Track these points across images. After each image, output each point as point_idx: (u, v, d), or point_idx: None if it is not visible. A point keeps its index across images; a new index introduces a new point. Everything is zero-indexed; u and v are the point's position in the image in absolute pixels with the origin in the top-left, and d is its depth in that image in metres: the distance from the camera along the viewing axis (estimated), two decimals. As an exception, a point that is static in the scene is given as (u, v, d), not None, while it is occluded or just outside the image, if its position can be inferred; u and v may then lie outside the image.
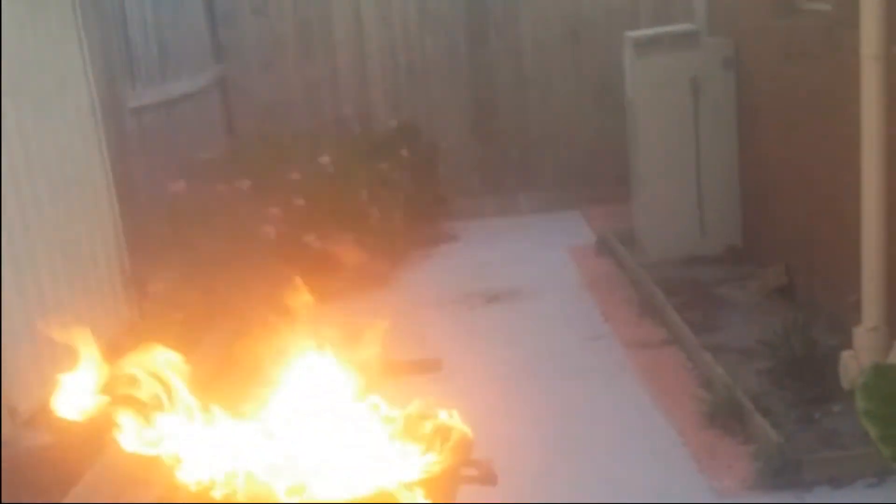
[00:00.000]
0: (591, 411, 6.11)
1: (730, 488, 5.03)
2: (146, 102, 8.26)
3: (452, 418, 3.64)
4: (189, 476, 3.38)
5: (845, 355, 5.52)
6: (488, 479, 3.45)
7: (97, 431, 5.63)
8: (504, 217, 10.64)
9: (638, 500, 5.02)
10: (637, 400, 6.18)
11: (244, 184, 8.55)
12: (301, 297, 3.98)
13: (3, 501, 5.13)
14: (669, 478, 5.21)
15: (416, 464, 3.40)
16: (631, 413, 6.03)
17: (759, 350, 6.25)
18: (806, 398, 5.61)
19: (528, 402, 6.25)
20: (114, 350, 7.08)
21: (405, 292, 8.66)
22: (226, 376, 5.86)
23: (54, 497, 5.30)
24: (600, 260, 8.93)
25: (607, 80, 10.19)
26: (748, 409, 5.49)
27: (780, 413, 5.49)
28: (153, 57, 8.67)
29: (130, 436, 3.47)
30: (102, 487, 5.28)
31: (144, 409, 3.51)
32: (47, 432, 5.95)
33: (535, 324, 7.67)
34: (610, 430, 5.83)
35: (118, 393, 3.57)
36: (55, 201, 6.67)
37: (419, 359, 6.98)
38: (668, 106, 8.35)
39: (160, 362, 3.61)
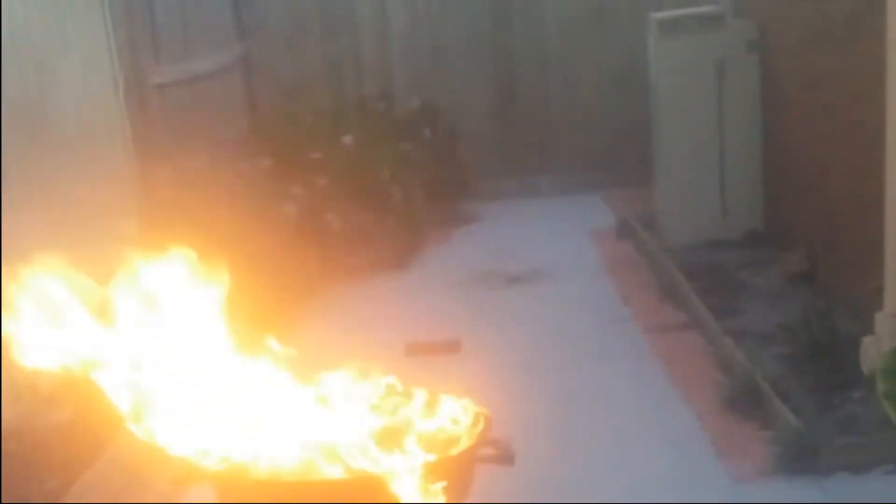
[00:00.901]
0: (609, 394, 6.11)
1: (748, 473, 5.03)
2: (169, 79, 8.27)
3: (471, 399, 3.65)
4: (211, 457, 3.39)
5: (866, 341, 5.50)
6: (506, 458, 3.46)
7: (114, 411, 5.65)
8: (525, 199, 10.62)
9: (655, 483, 5.02)
10: (656, 384, 6.18)
11: (266, 162, 8.57)
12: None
13: (25, 479, 5.16)
14: (687, 462, 5.22)
15: (435, 443, 3.41)
16: (649, 397, 6.03)
17: (780, 335, 6.24)
18: (825, 384, 5.60)
19: (547, 384, 6.25)
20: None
21: (426, 272, 8.67)
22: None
23: (76, 472, 5.34)
24: (621, 243, 8.91)
25: (631, 63, 10.14)
26: (767, 394, 5.48)
27: (800, 398, 5.47)
28: (177, 34, 8.68)
29: None
30: (120, 465, 5.31)
31: None
32: (68, 409, 5.99)
33: (554, 306, 7.67)
34: (628, 414, 5.84)
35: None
36: (78, 177, 6.69)
37: (439, 339, 7.00)
38: (691, 89, 8.31)
39: None
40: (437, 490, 3.16)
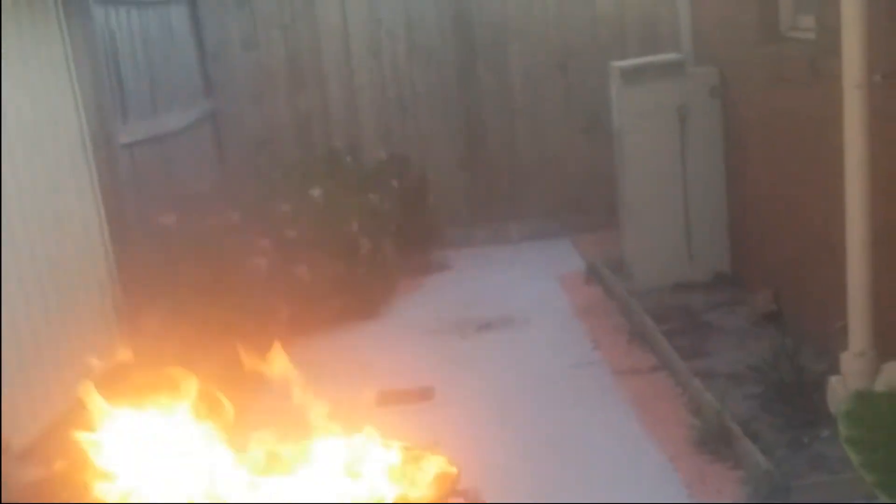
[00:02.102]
0: (581, 438, 6.13)
1: (720, 514, 5.07)
2: (138, 138, 8.30)
3: (437, 451, 3.68)
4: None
5: (833, 380, 5.56)
6: (476, 508, 3.49)
7: (90, 465, 5.64)
8: (495, 246, 10.68)
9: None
10: (627, 426, 6.20)
11: (235, 216, 8.59)
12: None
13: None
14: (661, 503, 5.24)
15: (405, 495, 3.43)
16: (621, 439, 6.05)
17: (749, 375, 6.30)
18: (795, 423, 5.65)
19: (519, 430, 6.28)
20: (108, 385, 7.10)
21: (397, 321, 8.69)
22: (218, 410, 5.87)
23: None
24: (590, 287, 8.97)
25: (595, 110, 10.26)
26: (737, 435, 5.52)
27: (770, 438, 5.52)
28: (144, 92, 8.72)
29: None
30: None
31: None
32: (40, 466, 5.97)
33: (525, 351, 7.71)
34: (600, 457, 5.86)
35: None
36: (47, 238, 6.70)
37: (411, 387, 7.02)
38: (655, 134, 8.41)
39: None
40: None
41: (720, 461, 5.51)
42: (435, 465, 3.65)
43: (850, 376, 5.44)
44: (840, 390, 5.46)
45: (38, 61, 6.86)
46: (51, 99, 7.01)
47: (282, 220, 8.68)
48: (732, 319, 7.57)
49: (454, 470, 3.59)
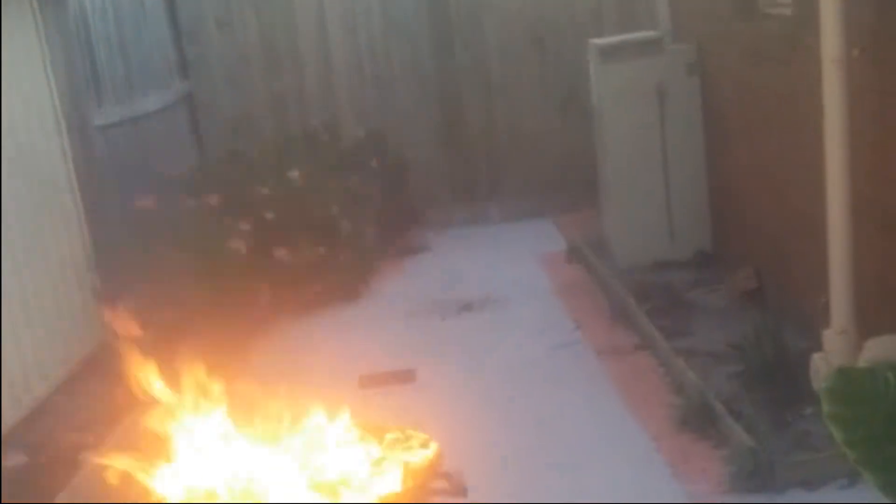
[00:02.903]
0: (563, 419, 6.12)
1: (704, 492, 5.05)
2: (113, 120, 8.23)
3: (422, 431, 3.66)
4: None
5: (815, 358, 5.55)
6: (458, 491, 3.47)
7: (71, 451, 5.63)
8: (475, 226, 10.65)
9: (613, 506, 5.04)
10: (610, 406, 6.19)
11: (213, 199, 8.53)
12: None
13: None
14: (644, 483, 5.23)
15: (386, 478, 3.41)
16: (604, 419, 6.04)
17: (731, 354, 6.28)
18: (778, 401, 5.64)
19: (501, 411, 6.26)
20: (86, 368, 7.09)
21: (377, 303, 8.66)
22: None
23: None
24: (571, 267, 8.94)
25: (573, 88, 10.24)
26: (720, 414, 5.51)
27: (753, 416, 5.50)
28: (119, 74, 8.65)
29: None
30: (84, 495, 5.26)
31: None
32: (21, 453, 5.94)
33: (506, 332, 7.68)
34: (583, 437, 5.84)
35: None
36: (23, 221, 6.64)
37: (392, 370, 6.99)
38: (633, 112, 8.38)
39: None
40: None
41: (704, 440, 5.51)
42: (417, 447, 3.63)
43: (832, 353, 5.43)
44: (823, 367, 5.45)
45: (11, 44, 6.78)
46: (24, 82, 6.94)
47: (260, 202, 8.63)
48: (714, 298, 7.56)
49: (437, 452, 3.56)
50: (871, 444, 2.31)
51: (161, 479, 3.47)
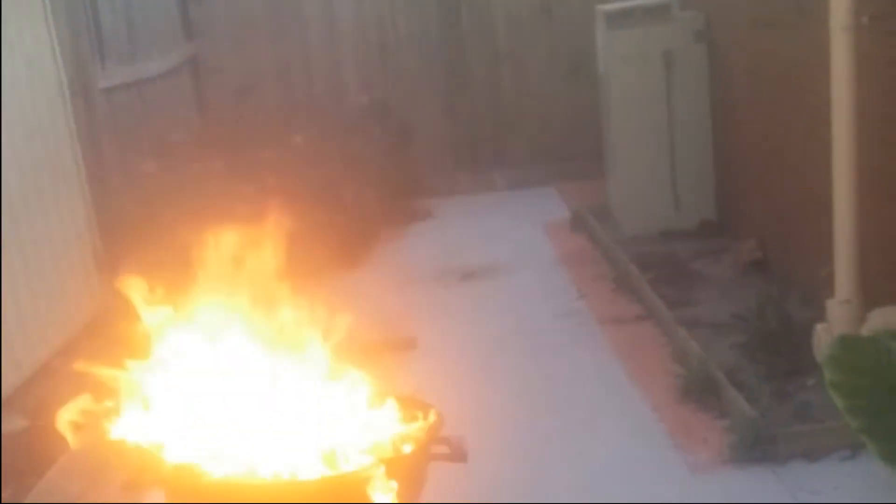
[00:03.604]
0: (565, 387, 6.10)
1: (705, 463, 5.04)
2: (116, 82, 8.19)
3: (423, 396, 3.65)
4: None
5: (819, 328, 5.53)
6: (459, 456, 3.45)
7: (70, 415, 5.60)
8: (479, 194, 10.62)
9: (613, 475, 5.02)
10: (612, 375, 6.18)
11: (217, 163, 8.50)
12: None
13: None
14: (645, 453, 5.22)
15: (387, 442, 3.39)
16: (606, 389, 6.03)
17: (734, 324, 6.26)
18: (780, 372, 5.62)
19: (503, 379, 6.24)
20: (88, 333, 7.07)
21: (380, 270, 8.64)
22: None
23: (30, 481, 5.29)
24: (575, 236, 8.93)
25: (580, 55, 10.17)
26: (722, 384, 5.49)
27: (755, 387, 5.49)
28: (123, 36, 8.60)
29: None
30: (76, 471, 5.26)
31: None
32: (21, 417, 5.93)
33: (509, 300, 7.66)
34: (585, 406, 5.83)
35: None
36: (24, 184, 6.61)
37: (394, 337, 6.97)
38: (640, 80, 8.33)
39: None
40: (390, 489, 3.14)
41: (705, 410, 5.49)
42: (418, 413, 3.62)
43: (835, 324, 5.40)
44: (826, 338, 5.42)
45: (15, 5, 6.73)
46: (27, 44, 6.89)
47: (264, 167, 8.60)
48: (718, 268, 7.53)
49: (437, 417, 3.55)
50: (872, 413, 2.30)
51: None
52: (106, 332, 6.75)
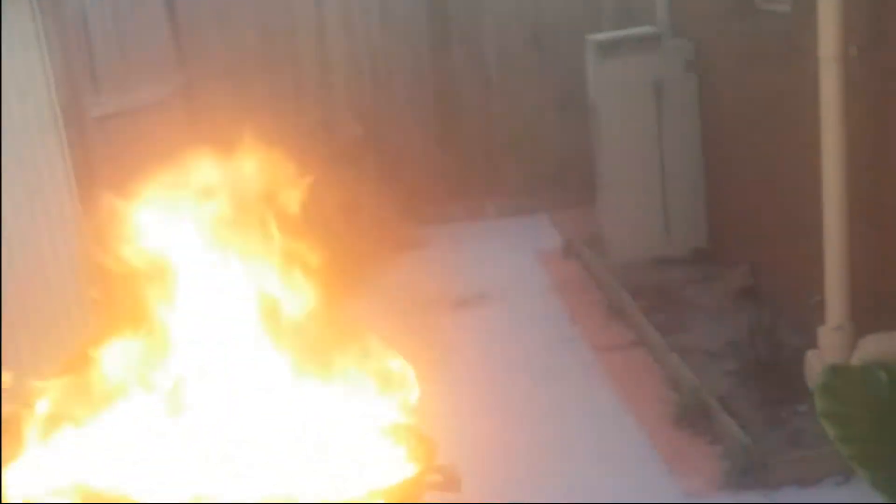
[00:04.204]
0: (559, 414, 6.12)
1: (698, 489, 5.06)
2: (109, 111, 8.20)
3: (416, 425, 3.65)
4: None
5: (810, 355, 5.55)
6: (452, 485, 3.45)
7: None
8: (471, 222, 10.63)
9: (607, 500, 5.03)
10: (606, 402, 6.19)
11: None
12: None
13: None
14: (639, 479, 5.23)
15: (380, 471, 3.40)
16: (600, 415, 6.04)
17: (726, 351, 6.29)
18: (772, 398, 5.64)
19: (497, 407, 6.25)
20: (80, 361, 7.02)
21: (372, 299, 8.63)
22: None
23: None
24: (567, 263, 8.95)
25: (571, 85, 10.20)
26: (715, 410, 5.51)
27: (747, 414, 5.52)
28: (116, 65, 8.62)
29: None
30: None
31: None
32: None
33: (502, 328, 7.68)
34: (579, 433, 5.84)
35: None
36: (17, 212, 6.62)
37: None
38: (630, 109, 8.37)
39: None
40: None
41: (698, 437, 5.51)
42: (411, 442, 3.62)
43: (827, 350, 5.43)
44: (817, 365, 5.45)
45: (8, 34, 6.74)
46: (20, 72, 6.90)
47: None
48: (709, 295, 7.55)
49: (431, 445, 3.55)
50: (863, 442, 2.31)
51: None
52: (96, 361, 6.75)
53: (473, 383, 6.64)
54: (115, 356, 3.76)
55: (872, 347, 5.01)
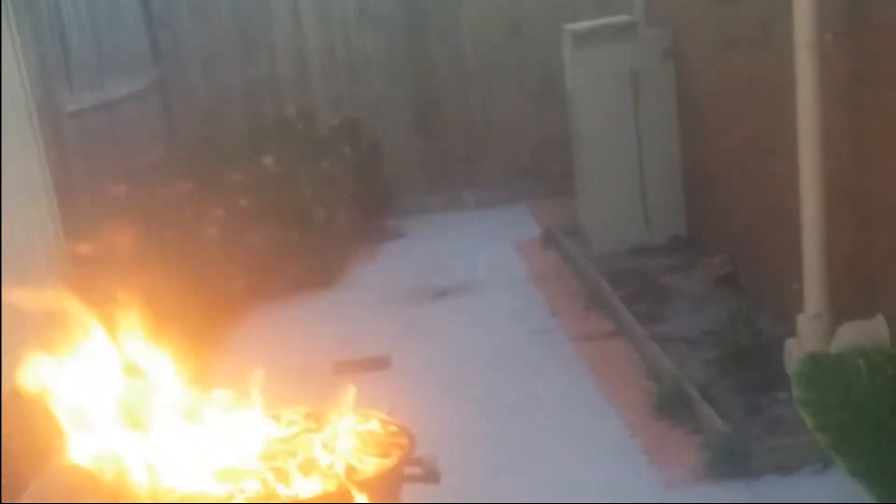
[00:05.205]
0: (538, 405, 6.10)
1: (680, 479, 5.05)
2: (85, 106, 8.16)
3: (395, 417, 3.64)
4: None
5: (789, 343, 5.56)
6: (431, 477, 3.45)
7: (44, 439, 5.57)
8: (450, 213, 10.64)
9: (588, 493, 5.02)
10: (585, 393, 6.18)
11: (186, 186, 8.48)
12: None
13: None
14: (619, 470, 5.22)
15: (358, 464, 3.39)
16: (579, 406, 6.03)
17: (706, 340, 6.29)
18: (752, 387, 5.64)
19: (476, 398, 6.24)
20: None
21: (351, 290, 8.63)
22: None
23: (16, 490, 5.24)
24: (546, 254, 8.94)
25: (549, 75, 10.21)
26: (695, 400, 5.51)
27: (728, 402, 5.51)
28: (90, 59, 8.58)
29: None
30: (48, 496, 5.22)
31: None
32: (7, 427, 5.88)
33: (482, 319, 7.67)
34: (558, 424, 5.83)
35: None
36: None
37: (367, 357, 6.96)
38: (608, 98, 8.37)
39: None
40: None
41: (679, 426, 5.50)
42: (390, 433, 3.61)
43: (806, 338, 5.43)
44: (797, 352, 5.45)
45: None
46: (-7, 68, 6.86)
47: (234, 189, 8.59)
48: (689, 283, 7.55)
49: (410, 437, 3.54)
50: (841, 430, 2.31)
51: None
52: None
53: (453, 374, 6.63)
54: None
55: (850, 336, 5.01)
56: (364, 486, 3.22)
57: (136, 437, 3.47)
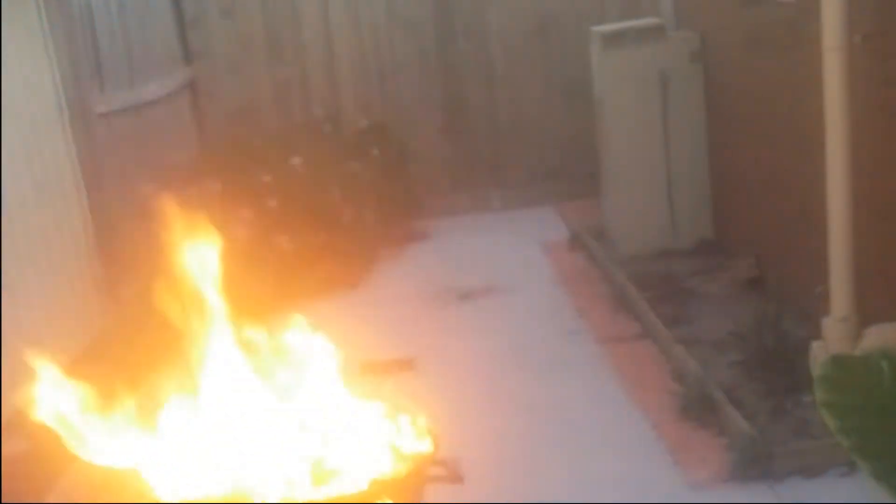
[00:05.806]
0: (565, 406, 6.12)
1: (704, 481, 5.06)
2: (115, 107, 8.22)
3: (419, 418, 3.66)
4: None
5: (815, 345, 5.54)
6: (454, 478, 3.47)
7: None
8: (476, 214, 10.64)
9: (613, 493, 5.03)
10: (611, 394, 6.19)
11: (215, 186, 8.52)
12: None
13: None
14: (644, 471, 5.24)
15: (382, 464, 3.41)
16: (605, 407, 6.04)
17: (731, 342, 6.28)
18: (777, 389, 5.64)
19: (502, 399, 6.26)
20: (87, 356, 7.08)
21: (378, 291, 8.65)
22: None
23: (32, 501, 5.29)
24: (573, 255, 8.94)
25: (576, 77, 10.19)
26: (721, 402, 5.51)
27: (753, 405, 5.51)
28: (121, 61, 8.63)
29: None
30: (76, 494, 5.27)
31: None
32: (21, 439, 5.93)
33: (508, 320, 7.68)
34: (584, 425, 5.85)
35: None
36: (24, 208, 6.64)
37: (392, 358, 6.99)
38: (636, 100, 8.36)
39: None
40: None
41: (704, 428, 5.51)
42: (415, 434, 3.63)
43: (832, 341, 5.42)
44: (822, 355, 5.43)
45: (13, 30, 6.76)
46: (26, 68, 6.92)
47: (262, 190, 8.62)
48: (715, 286, 7.53)
49: (434, 438, 3.56)
50: (863, 433, 2.31)
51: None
52: (105, 354, 6.77)
53: (478, 375, 6.65)
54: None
55: (876, 338, 4.99)
56: (389, 485, 3.24)
57: (154, 439, 3.51)
